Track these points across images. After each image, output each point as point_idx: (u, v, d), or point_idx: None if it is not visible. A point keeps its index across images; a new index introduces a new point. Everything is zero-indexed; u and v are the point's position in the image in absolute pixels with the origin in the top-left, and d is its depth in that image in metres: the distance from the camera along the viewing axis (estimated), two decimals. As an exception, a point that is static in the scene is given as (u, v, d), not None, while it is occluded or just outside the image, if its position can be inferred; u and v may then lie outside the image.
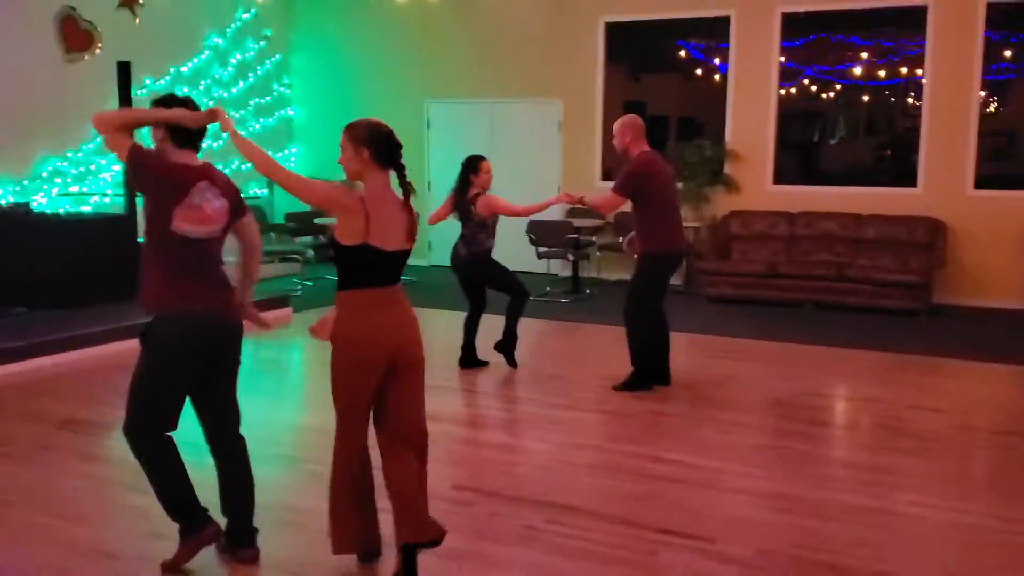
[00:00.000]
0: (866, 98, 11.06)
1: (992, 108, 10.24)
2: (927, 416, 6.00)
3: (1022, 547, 4.11)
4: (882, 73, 10.97)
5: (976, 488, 4.90)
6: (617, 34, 11.36)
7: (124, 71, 9.76)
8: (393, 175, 3.61)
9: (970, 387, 6.88)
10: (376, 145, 3.55)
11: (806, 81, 11.27)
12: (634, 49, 11.67)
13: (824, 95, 11.14)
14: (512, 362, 7.12)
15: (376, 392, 3.63)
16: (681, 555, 4.02)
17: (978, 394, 6.71)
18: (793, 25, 10.53)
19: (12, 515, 4.52)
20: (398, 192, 3.64)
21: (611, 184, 6.59)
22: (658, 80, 12.17)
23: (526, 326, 7.68)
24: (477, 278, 7.06)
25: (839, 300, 9.48)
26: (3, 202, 9.59)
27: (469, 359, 7.21)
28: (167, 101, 3.75)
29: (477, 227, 6.83)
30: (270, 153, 11.03)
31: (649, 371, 6.49)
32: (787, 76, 10.81)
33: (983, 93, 9.91)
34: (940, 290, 9.75)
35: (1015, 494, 4.73)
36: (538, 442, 5.55)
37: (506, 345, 7.12)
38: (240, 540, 3.91)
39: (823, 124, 11.40)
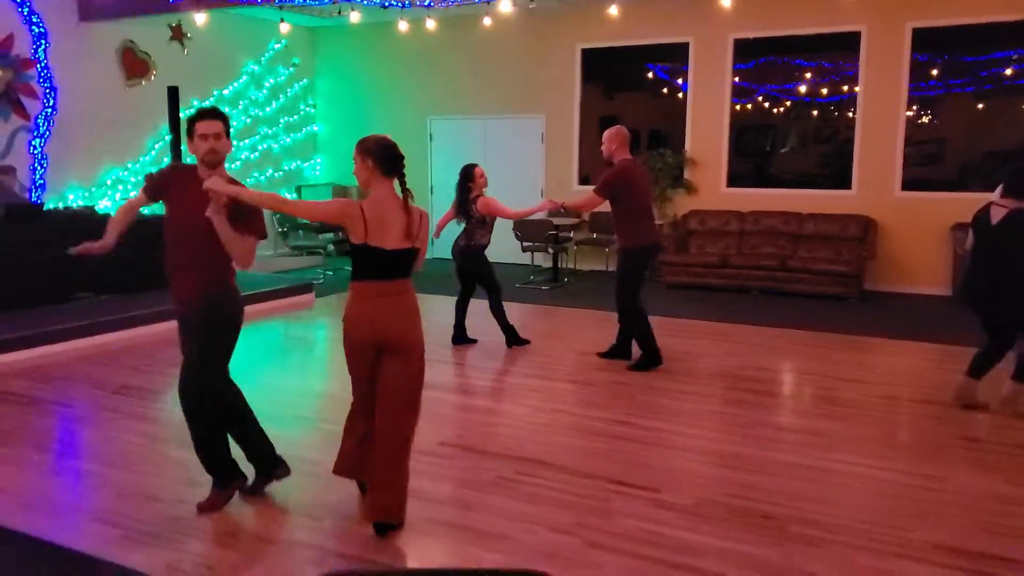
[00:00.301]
0: (813, 113, 10.91)
1: (925, 119, 10.12)
2: (856, 387, 5.91)
3: (931, 499, 4.04)
4: (824, 91, 10.83)
5: (896, 449, 4.77)
6: (593, 58, 11.24)
7: (173, 95, 9.74)
8: (397, 184, 3.59)
9: (894, 362, 6.78)
10: (379, 157, 3.55)
11: (760, 98, 11.15)
12: (608, 71, 11.54)
13: (775, 110, 10.97)
14: (520, 341, 7.06)
15: (369, 365, 3.63)
16: (630, 502, 3.96)
17: (901, 368, 6.62)
18: (745, 49, 10.41)
19: (73, 464, 4.58)
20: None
21: (588, 188, 6.54)
22: (629, 97, 12.02)
23: (513, 310, 7.63)
24: (469, 268, 7.00)
25: (782, 287, 9.38)
26: (74, 206, 9.54)
27: (460, 336, 7.17)
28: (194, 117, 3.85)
29: (477, 223, 6.80)
30: (297, 163, 10.73)
31: (656, 350, 6.34)
32: (743, 94, 10.68)
33: (915, 108, 9.80)
34: (871, 278, 9.65)
35: (929, 454, 4.66)
36: (516, 407, 5.49)
37: (511, 339, 7.05)
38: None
39: (774, 135, 11.23)
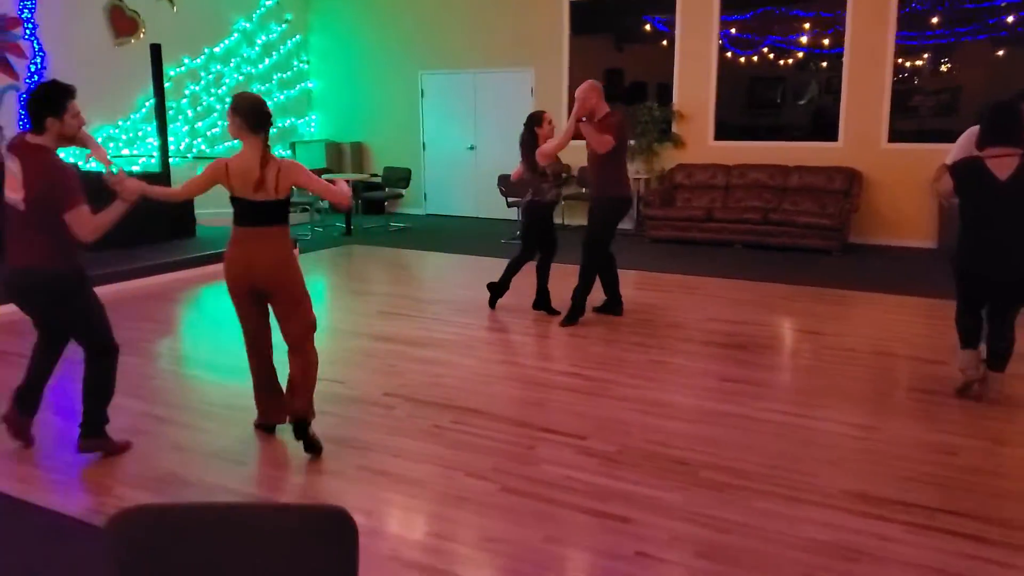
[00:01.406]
0: (823, 64, 10.67)
1: (944, 68, 9.86)
2: (817, 339, 5.92)
3: (855, 447, 4.08)
4: (826, 41, 10.63)
5: (838, 399, 4.70)
6: (581, 10, 11.11)
7: (156, 53, 9.75)
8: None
9: (865, 315, 6.75)
10: (246, 114, 3.76)
11: (765, 49, 10.97)
12: (598, 23, 11.40)
13: (781, 62, 10.75)
14: (551, 310, 6.64)
15: (250, 306, 3.99)
16: (555, 449, 4.05)
17: (870, 321, 6.57)
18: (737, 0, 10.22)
19: None
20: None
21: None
22: (620, 49, 11.88)
23: (493, 265, 7.67)
24: (529, 222, 6.58)
25: (765, 241, 9.34)
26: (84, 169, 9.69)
27: (542, 302, 6.68)
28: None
29: (540, 177, 6.34)
30: (292, 120, 10.72)
31: (582, 308, 6.35)
32: (745, 45, 10.53)
33: (926, 56, 9.59)
34: (857, 231, 9.58)
35: (872, 405, 4.65)
36: (466, 359, 5.54)
37: (498, 290, 6.78)
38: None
39: (783, 87, 11.04)
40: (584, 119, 6.04)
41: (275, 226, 3.85)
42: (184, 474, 3.82)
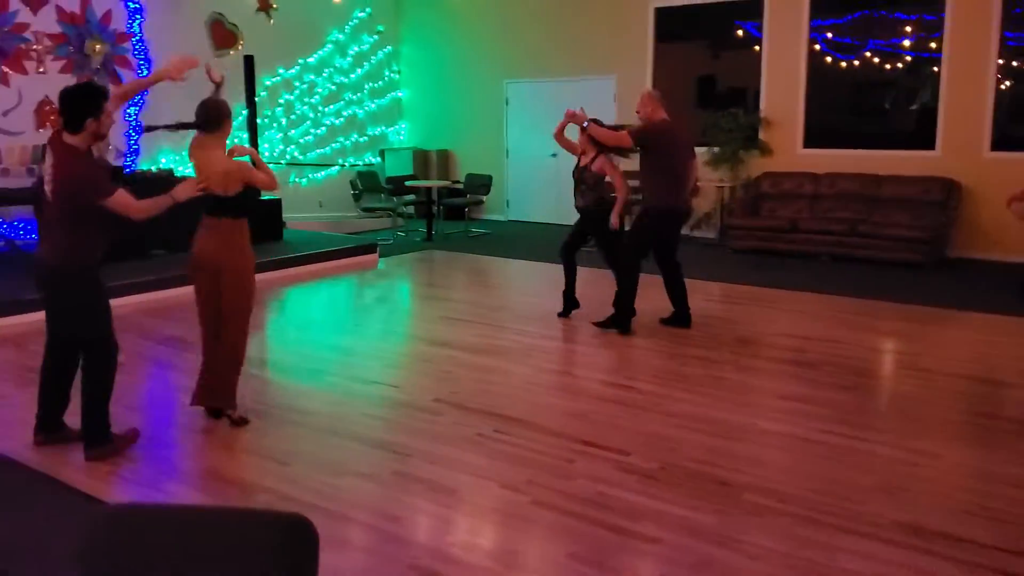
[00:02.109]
0: (934, 68, 10.16)
1: None
2: (888, 358, 5.64)
3: (909, 474, 3.84)
4: (933, 45, 10.12)
5: (898, 422, 4.46)
6: (667, 17, 10.94)
7: (249, 64, 10.15)
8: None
9: (946, 333, 6.39)
10: (199, 117, 4.31)
11: (868, 53, 10.54)
12: (684, 29, 11.20)
13: (887, 66, 10.24)
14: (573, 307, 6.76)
15: (204, 290, 4.41)
16: (594, 463, 3.97)
17: (952, 339, 6.22)
18: (835, 4, 9.81)
19: None
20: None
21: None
22: (716, 56, 11.59)
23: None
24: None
25: (852, 253, 8.94)
26: (158, 168, 10.16)
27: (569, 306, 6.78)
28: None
29: (576, 184, 6.52)
30: (382, 128, 10.85)
31: (625, 312, 6.26)
32: (846, 50, 10.15)
33: (1000, 62, 9.04)
34: (956, 245, 9.07)
35: (932, 429, 4.39)
36: (521, 367, 5.50)
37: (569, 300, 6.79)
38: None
39: (895, 93, 10.54)
40: (584, 121, 6.21)
41: (230, 217, 4.34)
42: (225, 471, 3.93)
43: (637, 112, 6.26)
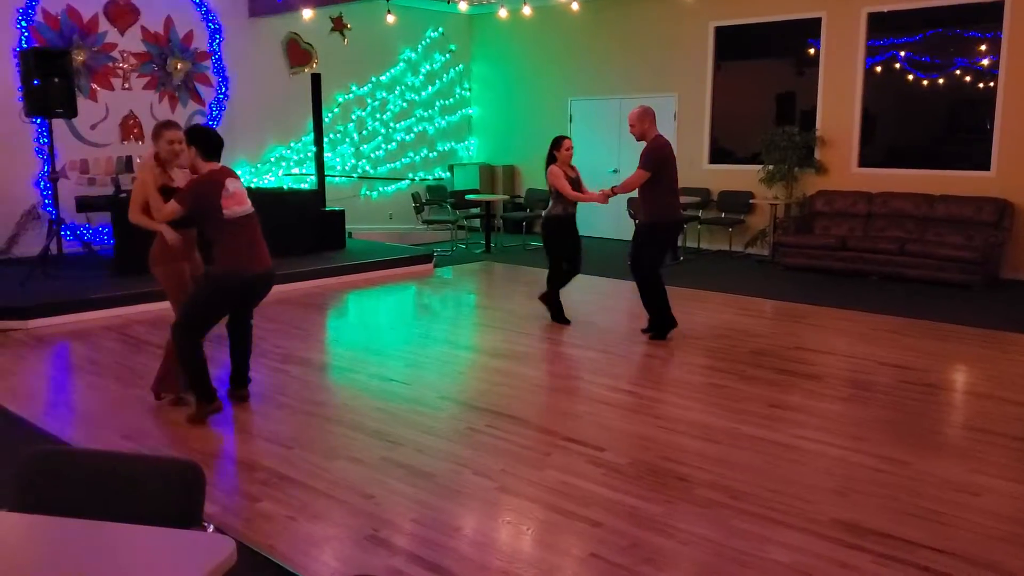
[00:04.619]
0: (974, 86, 9.99)
1: None
2: (897, 372, 5.68)
3: (870, 479, 3.97)
4: (985, 63, 9.94)
5: (882, 432, 4.55)
6: (724, 35, 11.10)
7: (316, 82, 10.86)
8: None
9: (972, 352, 6.34)
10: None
11: (957, 71, 10.42)
12: (744, 48, 11.32)
13: (980, 85, 10.08)
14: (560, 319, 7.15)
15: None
16: (568, 457, 4.25)
17: (973, 358, 6.18)
18: (907, 23, 9.79)
19: (135, 392, 5.42)
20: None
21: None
22: (763, 72, 11.68)
23: (622, 287, 7.88)
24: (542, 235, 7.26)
25: (901, 272, 8.88)
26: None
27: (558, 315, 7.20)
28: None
29: (551, 193, 7.07)
30: (451, 144, 11.51)
31: (660, 317, 6.54)
32: (924, 68, 10.09)
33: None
34: (1010, 267, 8.89)
35: (915, 439, 4.48)
36: (531, 371, 5.82)
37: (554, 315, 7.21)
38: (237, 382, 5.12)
39: (939, 111, 10.38)
40: (615, 191, 6.73)
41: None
42: (235, 451, 4.40)
43: (631, 128, 6.42)
